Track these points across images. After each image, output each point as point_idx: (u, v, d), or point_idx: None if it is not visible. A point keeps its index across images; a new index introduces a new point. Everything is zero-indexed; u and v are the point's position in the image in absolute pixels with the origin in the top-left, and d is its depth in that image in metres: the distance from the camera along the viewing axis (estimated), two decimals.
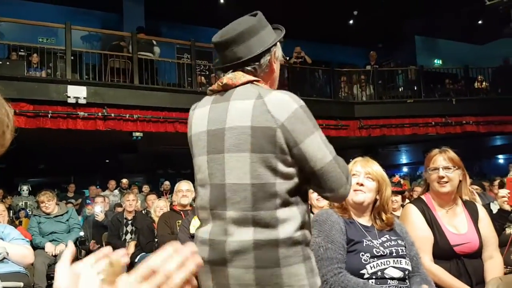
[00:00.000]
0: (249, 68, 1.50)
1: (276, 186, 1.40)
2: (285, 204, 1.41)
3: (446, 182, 2.33)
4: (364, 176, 2.03)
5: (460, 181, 2.37)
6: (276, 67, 1.60)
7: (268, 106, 1.40)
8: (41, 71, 8.44)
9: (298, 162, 1.41)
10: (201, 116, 1.53)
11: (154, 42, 9.68)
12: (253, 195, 1.39)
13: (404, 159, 17.91)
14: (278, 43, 1.61)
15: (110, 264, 0.61)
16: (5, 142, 0.71)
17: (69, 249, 0.71)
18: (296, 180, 1.43)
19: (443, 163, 2.34)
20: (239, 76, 1.48)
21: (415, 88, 11.57)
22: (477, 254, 2.28)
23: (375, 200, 2.07)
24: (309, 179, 1.45)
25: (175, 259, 0.60)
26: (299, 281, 1.39)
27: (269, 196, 1.40)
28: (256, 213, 1.39)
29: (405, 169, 19.03)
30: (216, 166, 1.45)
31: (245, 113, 1.41)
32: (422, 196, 2.47)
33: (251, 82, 1.48)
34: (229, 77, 1.48)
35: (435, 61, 15.80)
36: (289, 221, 1.41)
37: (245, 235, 1.39)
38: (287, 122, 1.39)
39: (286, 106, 1.41)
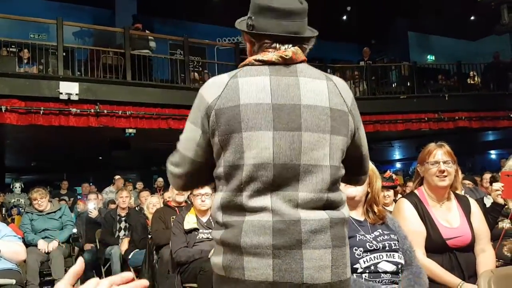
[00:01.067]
0: (305, 46, 1.44)
1: (341, 169, 1.41)
2: (339, 187, 1.43)
3: (446, 176, 2.33)
4: None
5: (455, 175, 2.39)
6: None
7: (339, 88, 1.40)
8: (33, 67, 8.36)
9: (354, 147, 1.43)
10: (256, 86, 1.35)
11: (150, 37, 9.63)
12: (331, 177, 1.36)
13: (397, 155, 17.99)
14: None
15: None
16: None
17: (77, 266, 0.70)
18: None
19: (444, 157, 2.35)
20: (300, 53, 1.40)
21: (408, 84, 11.61)
22: (469, 248, 2.30)
23: (367, 193, 2.08)
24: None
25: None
26: (349, 264, 1.41)
27: (338, 179, 1.41)
28: (331, 195, 1.36)
29: (398, 164, 19.12)
30: (287, 144, 1.32)
31: (321, 93, 1.37)
32: (415, 191, 2.48)
33: (305, 61, 1.42)
34: (293, 51, 1.38)
35: (428, 57, 15.87)
36: (345, 202, 1.43)
37: (320, 214, 1.33)
38: (352, 107, 1.41)
39: (348, 91, 1.43)
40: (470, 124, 11.32)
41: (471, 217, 2.36)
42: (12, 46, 8.32)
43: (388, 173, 4.20)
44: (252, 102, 1.33)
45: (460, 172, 2.60)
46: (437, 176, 2.35)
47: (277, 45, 1.39)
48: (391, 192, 3.97)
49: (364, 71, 11.37)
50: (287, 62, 1.38)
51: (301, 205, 1.32)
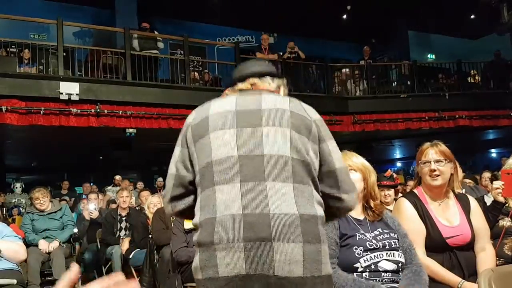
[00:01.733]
0: (265, 80, 1.69)
1: (311, 165, 1.45)
2: (315, 185, 1.45)
3: (438, 175, 2.34)
4: None
5: (451, 174, 2.38)
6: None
7: (303, 106, 1.54)
8: (33, 67, 8.37)
9: (322, 156, 1.49)
10: (223, 103, 1.53)
11: (159, 38, 9.64)
12: (293, 165, 1.40)
13: (397, 154, 17.97)
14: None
15: None
16: None
17: (72, 272, 0.70)
18: (316, 171, 1.48)
19: (435, 157, 2.35)
20: (261, 84, 1.66)
21: (409, 83, 11.60)
22: (469, 246, 2.30)
23: (364, 190, 2.08)
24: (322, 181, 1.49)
25: None
26: (328, 259, 1.42)
27: (307, 172, 1.43)
28: (297, 185, 1.39)
29: (399, 163, 19.11)
30: (249, 138, 1.42)
31: (282, 102, 1.51)
32: (414, 190, 2.49)
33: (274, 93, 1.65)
34: (251, 83, 1.65)
35: (428, 55, 15.86)
36: (320, 202, 1.45)
37: (287, 208, 1.35)
38: (318, 121, 1.52)
39: (314, 110, 1.56)
40: (470, 122, 11.30)
41: (470, 215, 2.37)
42: (12, 46, 8.32)
43: (389, 172, 4.20)
44: (217, 111, 1.49)
45: (460, 171, 2.60)
46: (429, 176, 2.35)
47: (239, 84, 1.66)
48: (391, 191, 3.95)
49: (364, 70, 11.36)
50: (251, 88, 1.61)
51: (270, 196, 1.35)
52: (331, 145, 1.52)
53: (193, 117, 1.56)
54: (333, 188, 1.51)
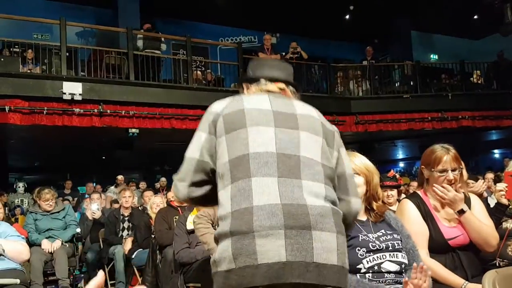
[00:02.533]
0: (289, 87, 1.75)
1: (334, 172, 1.56)
2: (335, 190, 1.54)
3: (453, 183, 2.30)
4: None
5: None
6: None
7: (321, 115, 1.65)
8: (36, 67, 8.38)
9: (338, 164, 1.60)
10: (257, 100, 1.57)
11: (162, 39, 9.66)
12: (324, 171, 1.49)
13: (400, 155, 17.95)
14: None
15: None
16: None
17: (99, 278, 0.73)
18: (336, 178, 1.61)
19: (452, 165, 2.30)
20: (288, 91, 1.74)
21: (411, 83, 11.58)
22: (471, 246, 2.29)
23: (366, 192, 2.07)
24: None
25: None
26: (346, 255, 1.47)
27: (331, 177, 1.53)
28: (326, 186, 1.48)
29: (401, 164, 19.09)
30: (287, 138, 1.48)
31: (312, 110, 1.62)
32: (418, 191, 2.48)
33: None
34: (282, 87, 1.71)
35: (431, 56, 15.82)
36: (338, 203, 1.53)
37: (322, 202, 1.43)
38: (336, 132, 1.66)
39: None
40: (473, 123, 11.28)
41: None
42: (16, 47, 8.34)
43: (392, 173, 4.19)
44: (254, 107, 1.53)
45: (464, 172, 2.59)
46: (448, 184, 2.30)
47: (268, 83, 1.71)
48: (394, 192, 3.94)
49: (367, 71, 11.35)
50: (279, 92, 1.67)
51: (305, 190, 1.42)
52: (343, 152, 1.65)
53: (223, 107, 1.55)
54: (342, 191, 1.58)
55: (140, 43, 9.08)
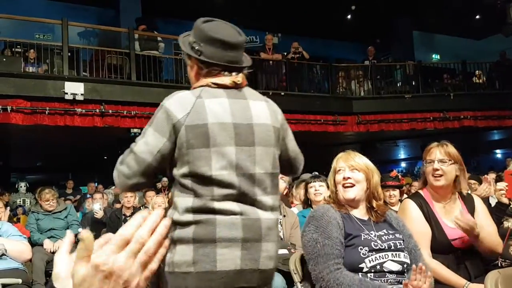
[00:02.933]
0: (245, 73, 1.73)
1: (277, 176, 1.73)
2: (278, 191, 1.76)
3: (441, 175, 2.32)
4: (349, 170, 2.05)
5: (457, 176, 2.36)
6: None
7: (274, 107, 1.74)
8: (38, 67, 8.40)
9: (283, 153, 1.75)
10: (219, 108, 1.60)
11: (159, 38, 9.65)
12: (272, 180, 1.67)
13: (402, 154, 17.94)
14: None
15: (81, 240, 0.62)
16: None
17: (68, 238, 0.71)
18: None
19: (439, 156, 2.34)
20: (244, 79, 1.71)
21: (413, 83, 11.57)
22: (474, 247, 2.28)
23: (366, 190, 2.07)
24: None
25: (146, 225, 0.62)
26: None
27: (277, 182, 1.71)
28: (275, 197, 1.68)
29: (403, 164, 19.07)
30: (245, 156, 1.60)
31: (264, 113, 1.68)
32: (420, 191, 2.47)
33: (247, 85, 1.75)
34: (242, 77, 1.69)
35: (433, 56, 15.80)
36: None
37: (270, 214, 1.64)
38: (282, 121, 1.75)
39: (278, 108, 1.76)
40: (475, 123, 11.27)
41: (475, 214, 2.35)
42: (18, 47, 8.35)
43: (394, 173, 4.18)
44: (218, 121, 1.58)
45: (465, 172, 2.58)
46: (433, 176, 2.34)
47: (225, 73, 1.65)
48: (396, 192, 3.94)
49: (368, 71, 11.34)
50: (237, 86, 1.66)
51: (259, 205, 1.61)
52: (288, 139, 1.79)
53: (184, 114, 1.57)
54: (288, 170, 1.86)
55: (136, 45, 9.05)
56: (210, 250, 1.51)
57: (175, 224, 1.56)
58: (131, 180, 1.61)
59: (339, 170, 2.06)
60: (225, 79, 1.64)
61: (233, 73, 1.65)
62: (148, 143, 1.57)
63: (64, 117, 7.88)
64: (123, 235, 0.61)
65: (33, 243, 4.69)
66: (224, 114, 1.59)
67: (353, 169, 2.03)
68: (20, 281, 2.69)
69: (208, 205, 1.54)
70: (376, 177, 2.05)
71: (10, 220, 5.04)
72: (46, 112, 7.68)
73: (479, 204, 2.42)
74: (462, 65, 11.97)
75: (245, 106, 1.64)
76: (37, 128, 7.97)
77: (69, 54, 8.23)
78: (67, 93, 7.75)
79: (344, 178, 2.03)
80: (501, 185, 2.75)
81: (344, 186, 2.04)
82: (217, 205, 1.54)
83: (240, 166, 1.58)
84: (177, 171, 1.58)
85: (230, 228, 1.53)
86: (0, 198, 6.24)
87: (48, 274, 4.68)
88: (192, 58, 1.68)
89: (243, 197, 1.58)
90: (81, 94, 7.84)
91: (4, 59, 7.64)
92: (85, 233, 0.62)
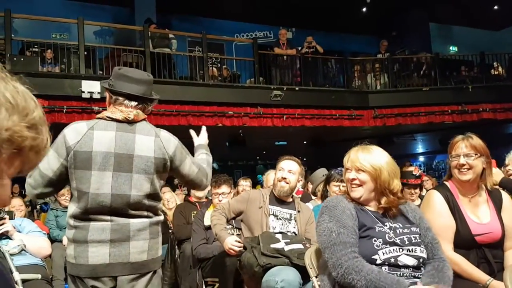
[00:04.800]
0: (147, 105, 2.15)
1: (159, 192, 2.12)
2: (160, 200, 2.17)
3: (468, 169, 2.26)
4: (354, 171, 2.03)
5: (483, 169, 2.29)
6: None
7: (163, 142, 2.08)
8: (55, 67, 8.51)
9: (180, 176, 2.19)
10: (105, 139, 1.98)
11: (172, 36, 9.68)
12: (148, 202, 2.05)
13: (420, 149, 17.70)
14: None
15: None
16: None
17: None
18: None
19: (464, 150, 2.28)
20: (141, 114, 2.09)
21: (432, 74, 11.36)
22: (498, 244, 2.23)
23: (374, 189, 2.03)
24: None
25: None
26: (160, 246, 2.13)
27: (157, 196, 2.10)
28: (150, 206, 2.06)
29: (421, 158, 18.82)
30: (122, 180, 1.97)
31: (148, 147, 2.03)
32: (446, 182, 2.41)
33: (145, 119, 2.11)
34: (135, 114, 2.05)
35: (450, 48, 15.55)
36: (160, 210, 2.16)
37: (141, 220, 2.03)
38: (174, 153, 2.10)
39: (171, 142, 2.12)
40: (494, 116, 11.05)
41: (502, 212, 2.29)
42: (35, 46, 8.46)
43: (416, 169, 4.12)
44: (100, 150, 1.96)
45: (495, 165, 2.53)
46: (458, 169, 2.28)
47: (127, 102, 2.07)
48: (417, 189, 3.91)
49: (383, 64, 11.21)
50: (129, 121, 2.03)
51: (130, 216, 2.00)
52: (185, 166, 2.15)
53: (75, 141, 1.97)
54: (194, 186, 2.34)
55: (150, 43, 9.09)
56: (83, 248, 1.95)
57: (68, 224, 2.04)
58: (36, 190, 2.01)
59: (347, 169, 2.05)
60: (118, 114, 2.02)
61: (133, 103, 2.07)
62: (49, 161, 1.96)
63: (81, 115, 7.96)
64: None
65: (53, 240, 4.77)
66: (109, 145, 1.97)
67: (358, 170, 2.00)
68: (39, 276, 2.72)
69: (83, 215, 1.96)
70: (386, 174, 1.98)
71: (29, 217, 5.13)
72: (64, 110, 7.78)
73: (507, 200, 2.34)
74: (480, 57, 11.74)
75: (131, 139, 2.01)
76: (55, 127, 8.03)
77: (85, 53, 8.31)
78: (83, 92, 7.83)
79: (349, 179, 2.03)
80: None
81: (351, 186, 2.03)
82: (92, 216, 1.96)
83: (115, 188, 1.96)
84: (71, 184, 2.01)
85: (100, 233, 1.95)
86: (20, 197, 6.34)
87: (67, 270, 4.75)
88: (106, 89, 2.12)
89: (114, 211, 1.97)
90: (98, 93, 7.91)
91: (22, 59, 7.76)
92: None
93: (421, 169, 4.15)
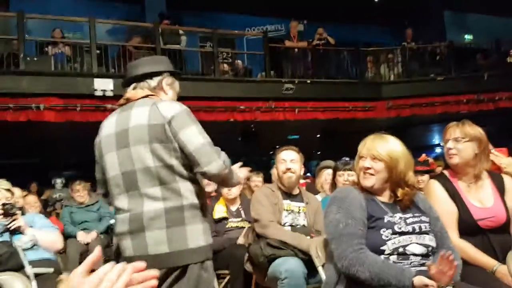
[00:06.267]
0: (148, 81, 2.07)
1: (174, 166, 1.90)
2: (185, 178, 1.92)
3: (454, 154, 2.26)
4: (370, 159, 1.99)
5: (476, 154, 2.26)
6: (168, 90, 2.12)
7: (160, 109, 1.93)
8: (68, 65, 8.60)
9: (180, 147, 1.89)
10: (109, 124, 2.05)
11: (181, 32, 9.70)
12: (158, 173, 1.88)
13: (436, 139, 17.46)
14: (171, 77, 2.15)
15: (60, 282, 0.68)
16: None
17: (94, 255, 0.79)
18: (180, 165, 1.93)
19: (453, 135, 2.28)
20: (139, 92, 2.04)
21: (447, 64, 11.17)
22: (503, 228, 2.21)
23: (389, 178, 2.01)
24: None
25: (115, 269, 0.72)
26: (199, 236, 1.90)
27: (171, 172, 1.89)
28: (161, 187, 1.89)
29: (438, 149, 18.55)
30: (125, 157, 1.93)
31: (141, 115, 1.94)
32: (444, 171, 2.42)
33: (147, 96, 2.02)
34: (131, 93, 2.05)
35: (465, 36, 15.27)
36: (188, 191, 1.92)
37: (155, 205, 1.87)
38: (172, 117, 1.90)
39: (171, 108, 1.94)
40: (511, 104, 10.84)
41: (505, 195, 2.26)
42: (48, 46, 8.57)
43: (423, 157, 4.10)
44: (105, 134, 2.04)
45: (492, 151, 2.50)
46: (448, 154, 2.28)
47: (127, 88, 2.10)
48: (425, 177, 3.88)
49: (397, 54, 11.06)
50: (128, 102, 2.04)
51: (143, 199, 1.89)
52: (186, 132, 1.89)
53: (98, 136, 2.10)
54: (196, 165, 1.89)
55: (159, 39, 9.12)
56: (118, 241, 1.96)
57: None
58: (100, 191, 2.21)
59: (362, 157, 2.02)
60: (121, 100, 2.08)
61: (131, 87, 2.07)
62: (96, 165, 2.14)
63: (95, 114, 8.03)
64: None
65: (67, 235, 4.85)
66: (111, 127, 2.01)
67: (374, 158, 1.97)
68: (52, 270, 2.77)
69: (113, 203, 2.02)
70: (402, 164, 1.95)
71: (44, 213, 5.22)
72: (78, 109, 7.87)
73: (510, 184, 2.32)
74: (496, 44, 11.50)
75: (128, 115, 1.98)
76: (70, 125, 8.16)
77: (98, 51, 8.39)
78: (96, 90, 7.90)
79: (364, 167, 1.99)
80: None
81: (364, 174, 2.00)
82: (116, 202, 1.98)
83: (122, 165, 1.94)
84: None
85: (122, 224, 1.92)
86: (35, 193, 6.45)
87: None
88: None
89: (129, 192, 1.92)
90: (111, 90, 7.98)
91: (36, 59, 7.86)
92: (64, 276, 0.66)
93: (430, 157, 4.11)
